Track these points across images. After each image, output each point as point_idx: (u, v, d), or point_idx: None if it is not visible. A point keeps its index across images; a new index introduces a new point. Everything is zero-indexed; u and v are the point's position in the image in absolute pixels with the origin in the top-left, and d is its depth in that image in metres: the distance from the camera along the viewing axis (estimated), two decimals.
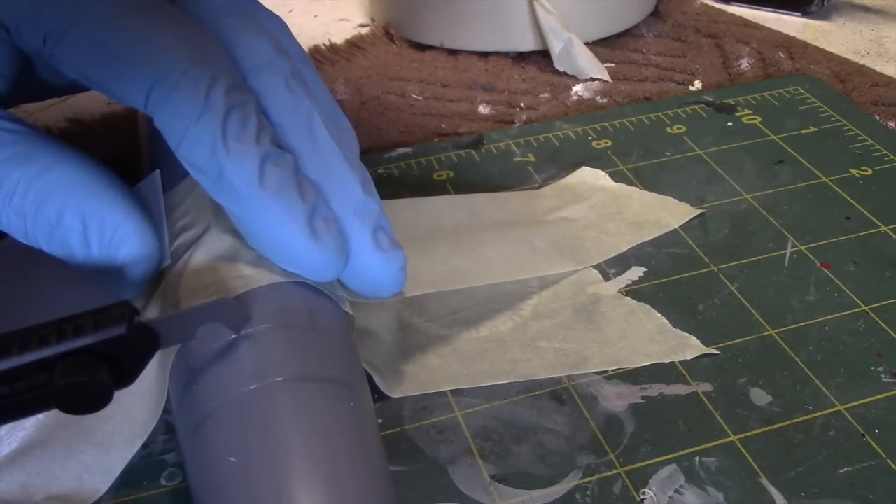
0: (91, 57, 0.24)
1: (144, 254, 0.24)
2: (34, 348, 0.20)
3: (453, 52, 0.47)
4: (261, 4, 0.27)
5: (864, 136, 0.38)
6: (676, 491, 0.24)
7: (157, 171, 0.27)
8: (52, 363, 0.20)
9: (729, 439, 0.26)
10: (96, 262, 0.24)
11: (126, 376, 0.21)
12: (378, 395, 0.27)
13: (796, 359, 0.28)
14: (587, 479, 0.25)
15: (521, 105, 0.43)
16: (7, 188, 0.24)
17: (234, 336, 0.22)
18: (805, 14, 0.51)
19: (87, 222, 0.24)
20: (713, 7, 0.52)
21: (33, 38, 0.24)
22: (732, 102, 0.41)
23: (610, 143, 0.39)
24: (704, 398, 0.27)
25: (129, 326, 0.20)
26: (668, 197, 0.35)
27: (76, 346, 0.20)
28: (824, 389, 0.27)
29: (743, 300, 0.30)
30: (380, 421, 0.26)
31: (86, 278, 0.25)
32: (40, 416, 0.25)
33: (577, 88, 0.44)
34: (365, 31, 0.50)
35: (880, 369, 0.28)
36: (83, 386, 0.20)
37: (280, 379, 0.22)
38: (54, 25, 0.24)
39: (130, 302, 0.21)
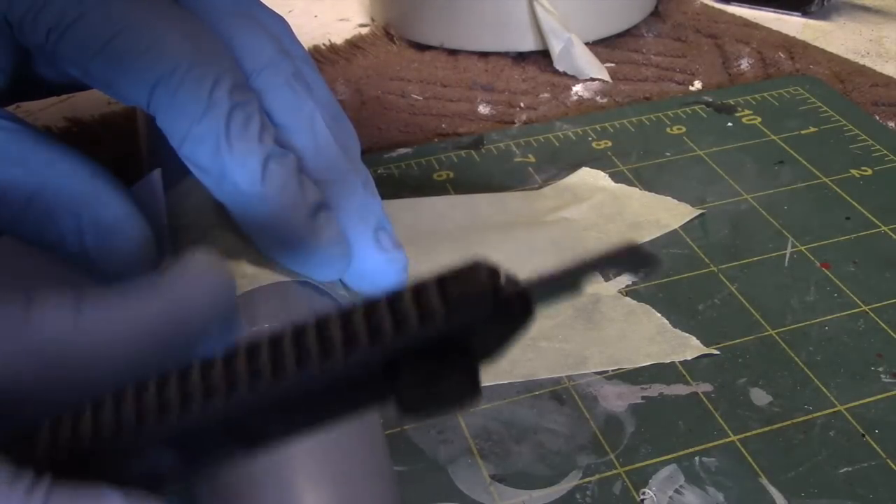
0: (93, 54, 0.24)
1: (139, 253, 0.24)
2: (364, 342, 0.14)
3: (453, 52, 0.47)
4: (263, 4, 0.27)
5: (864, 136, 0.38)
6: (676, 491, 0.24)
7: (158, 170, 0.27)
8: (389, 361, 0.14)
9: (729, 439, 0.26)
10: (92, 261, 0.24)
11: (488, 353, 0.15)
12: None
13: (796, 359, 0.28)
14: (587, 479, 0.25)
15: (521, 105, 0.43)
16: (2, 186, 0.24)
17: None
18: (805, 14, 0.51)
19: (81, 222, 0.24)
20: (713, 7, 0.52)
21: (36, 33, 0.24)
22: (732, 103, 0.41)
23: (610, 144, 0.39)
24: (704, 398, 0.27)
25: (496, 302, 0.14)
26: (668, 197, 0.35)
27: (422, 339, 0.14)
28: (824, 389, 0.27)
29: (743, 300, 0.30)
30: (380, 421, 0.26)
31: (83, 276, 0.25)
32: None
33: (577, 88, 0.44)
34: (365, 31, 0.50)
35: (880, 369, 0.28)
36: (440, 392, 0.14)
37: None
38: (57, 21, 0.24)
39: (493, 265, 0.14)
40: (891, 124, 0.40)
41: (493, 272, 0.14)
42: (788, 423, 0.26)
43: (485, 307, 0.14)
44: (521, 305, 0.14)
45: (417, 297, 0.14)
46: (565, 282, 0.15)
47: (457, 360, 0.14)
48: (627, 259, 0.15)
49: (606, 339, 0.29)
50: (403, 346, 0.14)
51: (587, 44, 0.46)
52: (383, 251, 0.25)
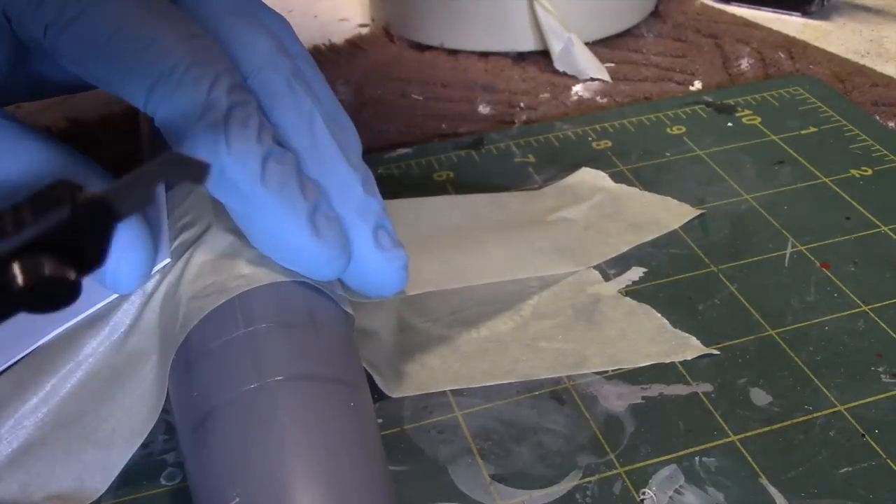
0: (92, 51, 0.24)
1: (136, 253, 0.24)
2: None
3: (453, 52, 0.47)
4: (263, 3, 0.27)
5: (864, 136, 0.38)
6: (676, 491, 0.24)
7: None
8: (4, 264, 0.17)
9: (729, 439, 0.26)
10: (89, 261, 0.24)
11: (92, 258, 0.19)
12: (378, 395, 0.27)
13: (796, 359, 0.28)
14: (587, 479, 0.25)
15: (521, 105, 0.43)
16: None
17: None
18: (805, 14, 0.51)
19: None
20: (713, 7, 0.52)
21: (34, 28, 0.24)
22: (732, 103, 0.41)
23: (610, 144, 0.39)
24: (704, 398, 0.27)
25: (74, 207, 0.18)
26: (668, 197, 0.35)
27: (21, 242, 0.17)
28: (824, 389, 0.27)
29: (743, 300, 0.30)
30: (380, 421, 0.26)
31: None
32: (39, 415, 0.25)
33: (577, 88, 0.44)
34: (365, 31, 0.50)
35: (880, 369, 0.28)
36: (46, 283, 0.18)
37: (280, 378, 0.22)
38: (56, 16, 0.24)
39: (70, 180, 0.18)
40: (891, 124, 0.40)
41: (72, 187, 0.18)
42: (788, 423, 0.26)
43: (63, 211, 0.17)
44: (101, 206, 0.18)
45: (15, 210, 0.18)
46: (138, 190, 0.19)
47: (57, 254, 0.18)
48: (179, 167, 0.19)
49: (606, 339, 0.29)
50: (11, 247, 0.17)
51: (587, 44, 0.46)
52: (383, 250, 0.25)
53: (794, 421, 0.26)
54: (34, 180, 0.24)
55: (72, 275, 0.18)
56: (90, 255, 0.19)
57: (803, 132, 0.39)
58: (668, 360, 0.28)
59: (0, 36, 0.25)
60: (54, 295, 0.18)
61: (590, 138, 0.39)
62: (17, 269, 0.18)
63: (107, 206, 0.19)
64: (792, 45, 0.47)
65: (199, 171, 0.20)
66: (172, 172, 0.20)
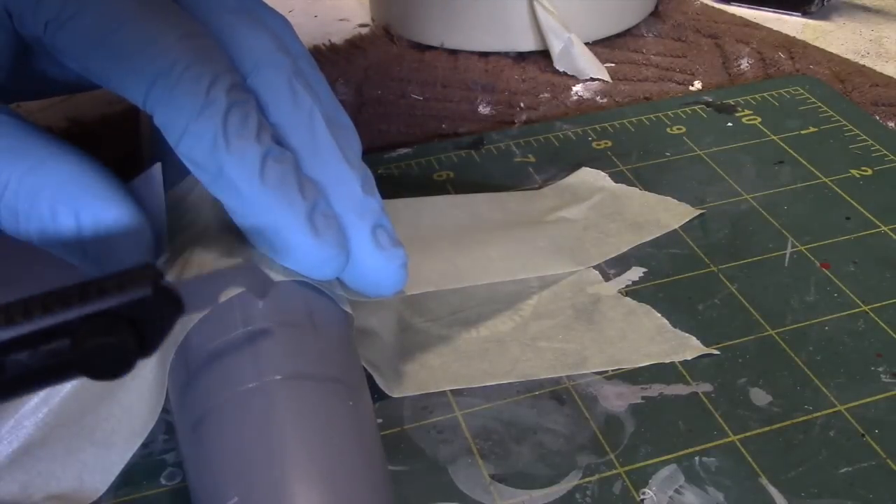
0: (92, 48, 0.24)
1: (140, 252, 0.24)
2: (57, 311, 0.19)
3: (453, 52, 0.47)
4: (264, 2, 0.27)
5: (864, 136, 0.38)
6: (676, 491, 0.24)
7: (158, 164, 0.27)
8: (75, 326, 0.19)
9: (729, 439, 0.26)
10: (91, 259, 0.24)
11: (149, 343, 0.20)
12: (378, 394, 0.27)
13: (796, 359, 0.28)
14: (587, 479, 0.25)
15: (521, 105, 0.43)
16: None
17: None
18: (805, 14, 0.51)
19: (80, 219, 0.24)
20: (713, 7, 0.52)
21: (35, 25, 0.24)
22: (732, 103, 0.41)
23: (610, 144, 0.39)
24: (704, 398, 0.27)
25: (155, 289, 0.19)
26: (668, 197, 0.35)
27: (100, 308, 0.19)
28: (824, 389, 0.27)
29: (743, 300, 0.30)
30: (380, 421, 0.26)
31: (82, 273, 0.25)
32: (39, 415, 0.25)
33: (577, 88, 0.44)
34: (365, 31, 0.50)
35: (880, 369, 0.28)
36: (108, 349, 0.19)
37: (279, 377, 0.22)
38: (57, 13, 0.24)
39: (155, 264, 0.20)
40: (891, 124, 0.40)
41: (157, 272, 0.20)
42: (788, 423, 0.26)
43: (146, 290, 0.19)
44: (173, 297, 0.20)
45: (102, 281, 0.19)
46: (206, 291, 0.21)
47: (124, 326, 0.19)
48: (247, 278, 0.22)
49: (606, 339, 0.29)
50: (87, 312, 0.19)
51: (587, 44, 0.46)
52: (381, 249, 0.25)
53: (794, 421, 0.26)
54: (37, 179, 0.24)
55: (130, 347, 0.19)
56: (148, 339, 0.20)
57: (803, 132, 0.39)
58: (668, 360, 0.28)
59: (1, 33, 0.25)
60: (109, 362, 0.19)
61: (590, 138, 0.39)
62: (84, 331, 0.19)
63: (177, 298, 0.20)
64: (792, 45, 0.47)
65: (264, 286, 0.22)
66: (240, 282, 0.22)
